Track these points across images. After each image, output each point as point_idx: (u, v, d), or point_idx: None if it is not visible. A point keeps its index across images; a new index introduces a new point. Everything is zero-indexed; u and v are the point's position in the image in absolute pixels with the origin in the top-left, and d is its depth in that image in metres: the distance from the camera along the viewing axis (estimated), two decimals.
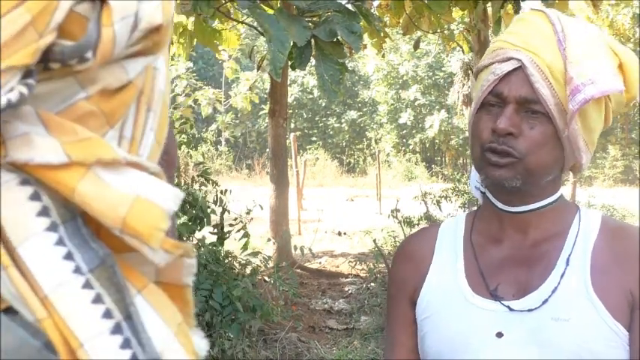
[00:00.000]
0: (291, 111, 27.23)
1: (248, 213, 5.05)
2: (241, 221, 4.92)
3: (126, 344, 0.41)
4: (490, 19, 7.09)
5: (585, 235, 1.08)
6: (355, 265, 7.34)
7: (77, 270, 0.41)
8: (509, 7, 5.60)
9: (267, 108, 9.35)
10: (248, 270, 4.89)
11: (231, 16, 6.40)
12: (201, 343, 0.48)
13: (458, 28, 8.71)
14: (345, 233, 10.60)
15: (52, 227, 0.42)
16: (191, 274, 0.47)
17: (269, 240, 7.77)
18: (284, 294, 5.59)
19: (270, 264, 5.64)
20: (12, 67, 0.40)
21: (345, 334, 5.49)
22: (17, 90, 0.40)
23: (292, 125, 28.13)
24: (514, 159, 1.02)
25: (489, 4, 6.26)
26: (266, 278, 5.71)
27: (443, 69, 26.72)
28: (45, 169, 0.41)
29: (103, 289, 0.42)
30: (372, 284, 6.49)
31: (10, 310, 0.43)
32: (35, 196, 0.42)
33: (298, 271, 7.20)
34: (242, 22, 6.69)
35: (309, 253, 6.21)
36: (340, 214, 13.41)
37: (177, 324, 0.45)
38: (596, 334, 1.00)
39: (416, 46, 8.21)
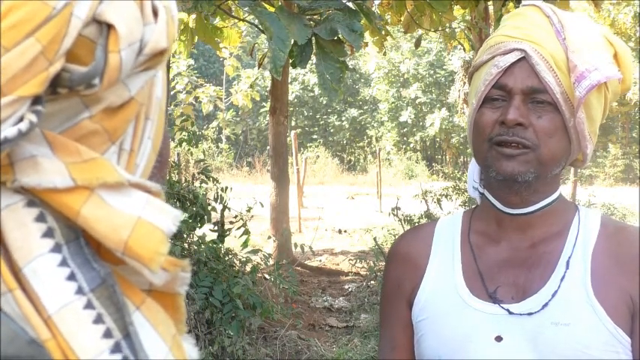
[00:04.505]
0: (291, 109, 27.22)
1: (248, 210, 5.05)
2: (242, 219, 4.92)
3: None
4: (491, 17, 7.09)
5: (585, 237, 1.06)
6: (355, 263, 7.34)
7: (79, 290, 0.43)
8: (511, 5, 5.59)
9: (267, 106, 9.34)
10: (248, 267, 4.89)
11: (233, 13, 6.40)
12: (192, 351, 0.49)
13: (459, 27, 8.70)
14: (345, 231, 10.60)
15: (56, 248, 0.43)
16: (185, 285, 0.48)
17: (269, 237, 7.77)
18: (284, 292, 5.60)
19: (271, 262, 5.63)
20: (22, 97, 0.40)
21: (345, 332, 5.50)
22: (27, 119, 0.40)
23: (293, 123, 28.11)
24: (526, 149, 1.01)
25: (490, 2, 6.26)
26: (266, 276, 5.72)
27: (444, 67, 26.69)
28: (51, 193, 0.42)
29: (104, 308, 0.43)
30: (372, 282, 6.49)
31: None
32: (40, 218, 0.43)
33: (298, 268, 7.20)
34: (243, 20, 6.69)
35: (309, 251, 6.21)
36: (340, 212, 13.42)
37: (171, 337, 0.47)
38: (596, 339, 0.98)
39: (417, 45, 8.19)
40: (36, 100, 0.41)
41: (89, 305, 0.42)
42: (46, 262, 0.42)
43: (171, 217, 0.45)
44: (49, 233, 0.43)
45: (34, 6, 0.41)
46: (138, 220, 0.43)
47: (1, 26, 0.40)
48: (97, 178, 0.43)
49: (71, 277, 0.43)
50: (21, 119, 0.41)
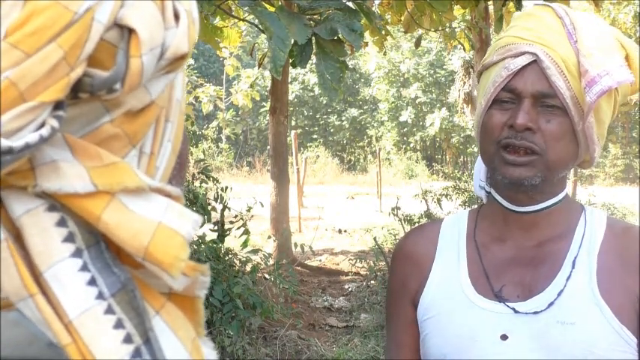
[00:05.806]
0: (292, 108, 27.21)
1: (248, 210, 5.04)
2: (242, 218, 4.92)
3: None
4: (491, 17, 7.09)
5: (591, 237, 1.06)
6: (355, 262, 7.34)
7: (100, 295, 0.43)
8: (511, 5, 5.60)
9: (267, 105, 9.35)
10: (248, 267, 4.89)
11: (233, 13, 6.40)
12: (211, 354, 0.49)
13: (459, 26, 8.70)
14: (345, 231, 10.60)
15: (77, 253, 0.43)
16: (204, 289, 0.48)
17: (269, 237, 7.77)
18: (284, 291, 5.60)
19: (271, 261, 5.63)
20: (44, 103, 0.40)
21: (345, 331, 5.50)
22: (49, 124, 0.40)
23: (293, 123, 28.11)
24: (534, 156, 1.01)
25: (490, 2, 6.26)
26: (266, 276, 5.72)
27: (444, 67, 26.69)
28: (72, 197, 0.42)
29: (124, 313, 0.43)
30: (372, 282, 6.50)
31: None
32: (61, 222, 0.43)
33: (298, 268, 7.21)
34: (243, 20, 6.69)
35: (309, 251, 6.21)
36: (340, 211, 13.42)
37: (191, 341, 0.47)
38: (602, 338, 0.98)
39: (417, 44, 8.20)
40: (57, 105, 0.41)
41: (109, 310, 0.43)
42: (67, 267, 0.42)
43: (191, 222, 0.45)
44: (69, 238, 0.43)
45: (55, 11, 0.41)
46: (158, 225, 0.43)
47: (23, 32, 0.40)
48: (117, 182, 0.43)
49: (92, 282, 0.43)
50: (42, 124, 0.41)
